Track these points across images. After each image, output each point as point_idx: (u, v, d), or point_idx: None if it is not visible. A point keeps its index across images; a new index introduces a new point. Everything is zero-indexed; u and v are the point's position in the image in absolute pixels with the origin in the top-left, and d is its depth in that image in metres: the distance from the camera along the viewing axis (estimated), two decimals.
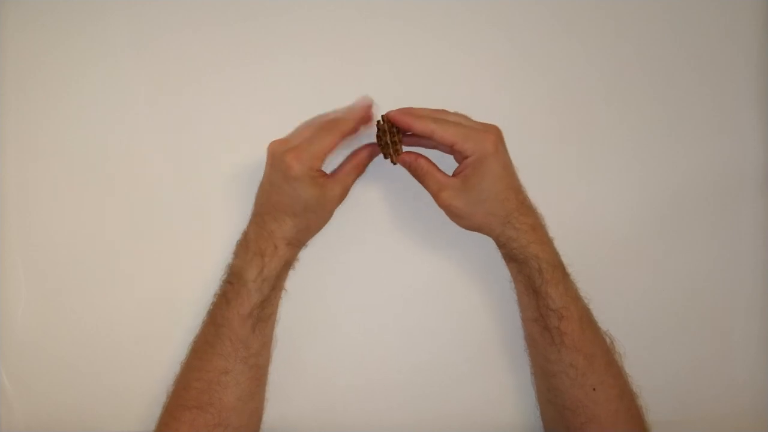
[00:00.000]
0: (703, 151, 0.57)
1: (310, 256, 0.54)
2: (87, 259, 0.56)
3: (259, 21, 0.56)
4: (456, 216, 0.50)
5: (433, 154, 0.51)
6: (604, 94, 0.57)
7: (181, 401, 0.48)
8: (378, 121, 0.50)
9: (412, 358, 0.56)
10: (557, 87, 0.57)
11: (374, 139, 0.51)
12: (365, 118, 0.50)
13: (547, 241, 0.49)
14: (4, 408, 0.56)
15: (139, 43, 0.56)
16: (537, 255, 0.48)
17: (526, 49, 0.57)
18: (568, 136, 0.57)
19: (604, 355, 0.48)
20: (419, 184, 0.51)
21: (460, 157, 0.49)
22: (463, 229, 0.51)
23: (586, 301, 0.50)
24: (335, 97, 0.54)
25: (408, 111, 0.49)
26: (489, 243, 0.51)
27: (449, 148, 0.49)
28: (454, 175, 0.50)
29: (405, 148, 0.51)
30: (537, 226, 0.49)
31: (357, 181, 0.52)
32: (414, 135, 0.50)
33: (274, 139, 0.49)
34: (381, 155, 0.51)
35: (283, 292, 0.52)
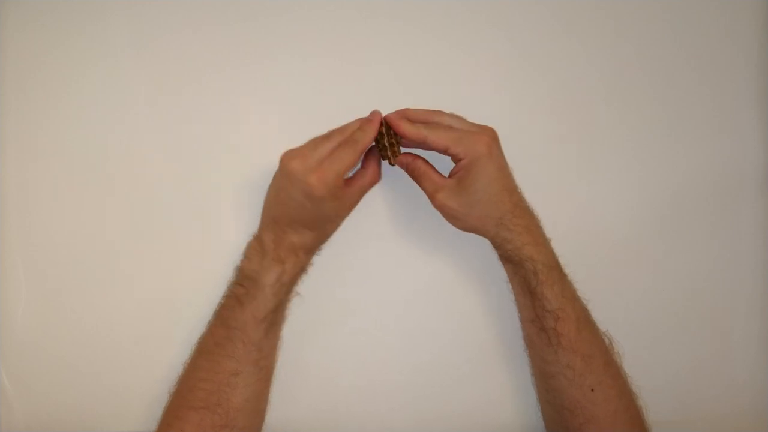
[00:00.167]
0: (703, 151, 0.57)
1: (316, 256, 0.54)
2: (87, 259, 0.56)
3: (259, 21, 0.56)
4: (451, 217, 0.50)
5: (432, 155, 0.51)
6: (604, 94, 0.57)
7: (187, 402, 0.47)
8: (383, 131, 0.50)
9: (413, 359, 0.56)
10: (557, 87, 0.57)
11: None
12: (375, 130, 0.49)
13: (542, 243, 0.49)
14: (4, 408, 0.55)
15: (139, 43, 0.56)
16: (532, 257, 0.48)
17: (526, 49, 0.57)
18: (568, 136, 0.57)
19: (601, 355, 0.48)
20: (419, 186, 0.51)
21: (454, 159, 0.49)
22: (461, 231, 0.51)
23: (584, 301, 0.49)
24: (335, 97, 0.54)
25: (403, 114, 0.49)
26: (488, 244, 0.51)
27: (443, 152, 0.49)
28: (449, 176, 0.50)
29: (403, 150, 0.51)
30: (532, 228, 0.49)
31: None
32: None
33: (287, 151, 0.47)
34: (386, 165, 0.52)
35: (294, 296, 0.52)
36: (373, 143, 0.50)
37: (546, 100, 0.57)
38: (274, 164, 0.47)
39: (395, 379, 0.56)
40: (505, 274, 0.51)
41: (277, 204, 0.49)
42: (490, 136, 0.48)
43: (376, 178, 0.51)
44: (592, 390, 0.47)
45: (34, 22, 0.56)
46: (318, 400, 0.56)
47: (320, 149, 0.46)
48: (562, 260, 0.50)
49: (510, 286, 0.52)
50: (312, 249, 0.50)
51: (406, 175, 0.52)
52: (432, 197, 0.50)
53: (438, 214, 0.50)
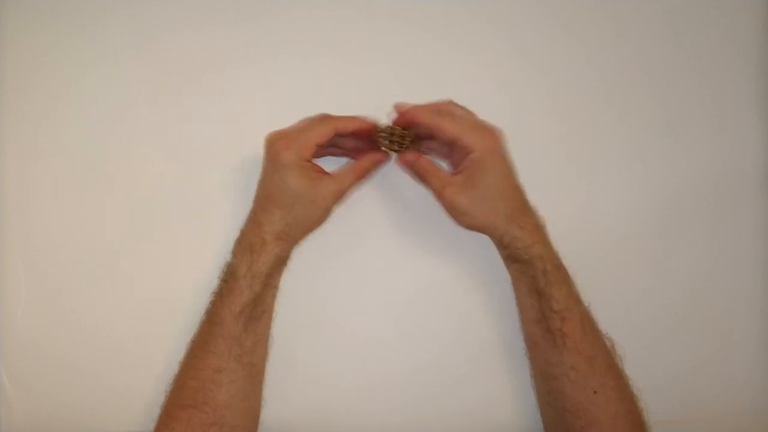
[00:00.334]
0: (703, 151, 0.57)
1: (311, 256, 0.54)
2: (87, 259, 0.56)
3: (259, 21, 0.56)
4: (460, 213, 0.49)
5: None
6: (604, 94, 0.57)
7: (177, 400, 0.48)
8: (384, 126, 0.50)
9: (413, 359, 0.56)
10: (557, 87, 0.57)
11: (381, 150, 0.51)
12: (364, 126, 0.50)
13: (549, 242, 0.49)
14: (4, 408, 0.55)
15: (139, 43, 0.56)
16: (542, 255, 0.48)
17: (526, 49, 0.57)
18: (568, 136, 0.57)
19: (605, 357, 0.48)
20: (420, 186, 0.51)
21: (461, 154, 0.48)
22: (464, 230, 0.50)
23: (586, 303, 0.49)
24: (335, 97, 0.54)
25: (414, 108, 0.49)
26: (489, 244, 0.51)
27: (450, 145, 0.49)
28: (456, 172, 0.49)
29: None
30: (539, 226, 0.49)
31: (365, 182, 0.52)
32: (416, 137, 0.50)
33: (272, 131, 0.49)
34: (386, 165, 0.52)
35: (278, 291, 0.52)
36: (381, 139, 0.50)
37: (546, 100, 0.57)
38: None
39: (395, 379, 0.56)
40: (506, 275, 0.51)
41: (257, 187, 0.50)
42: (499, 132, 0.48)
43: (360, 172, 0.50)
44: (595, 392, 0.46)
45: (34, 22, 0.56)
46: (317, 400, 0.56)
47: (298, 124, 0.48)
48: (565, 263, 0.50)
49: (513, 287, 0.51)
50: (281, 234, 0.48)
51: (406, 175, 0.52)
52: (440, 194, 0.49)
53: (438, 213, 0.50)
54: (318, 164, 0.50)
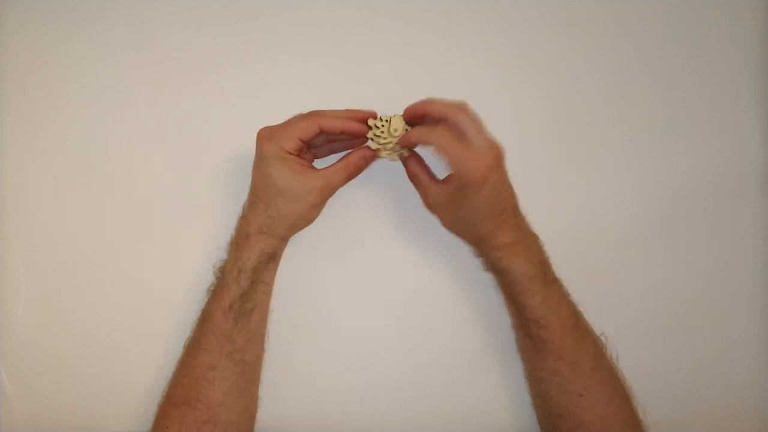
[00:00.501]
0: (703, 151, 0.57)
1: (309, 256, 0.54)
2: (87, 259, 0.56)
3: (259, 21, 0.56)
4: (439, 220, 0.50)
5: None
6: (604, 94, 0.57)
7: (171, 399, 0.48)
8: (377, 119, 0.50)
9: (410, 360, 0.56)
10: (557, 87, 0.57)
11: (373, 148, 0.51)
12: (354, 128, 0.49)
13: (524, 255, 0.48)
14: (4, 408, 0.56)
15: (139, 43, 0.56)
16: (509, 268, 0.47)
17: (526, 49, 0.57)
18: (568, 136, 0.57)
19: (589, 361, 0.48)
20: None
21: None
22: None
23: (574, 306, 0.49)
24: (335, 97, 0.54)
25: (423, 108, 0.48)
26: None
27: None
28: (444, 180, 0.49)
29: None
30: (518, 243, 0.48)
31: (359, 182, 0.51)
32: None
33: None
34: (376, 162, 0.52)
35: (270, 288, 0.51)
36: (372, 140, 0.50)
37: (546, 100, 0.57)
38: None
39: (393, 380, 0.56)
40: None
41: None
42: (495, 157, 0.45)
43: (349, 169, 0.50)
44: (581, 395, 0.46)
45: (34, 22, 0.56)
46: (315, 400, 0.56)
47: (287, 119, 0.49)
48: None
49: None
50: (263, 228, 0.48)
51: (406, 175, 0.52)
52: (424, 200, 0.50)
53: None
54: (311, 163, 0.50)
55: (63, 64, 0.56)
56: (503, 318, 0.54)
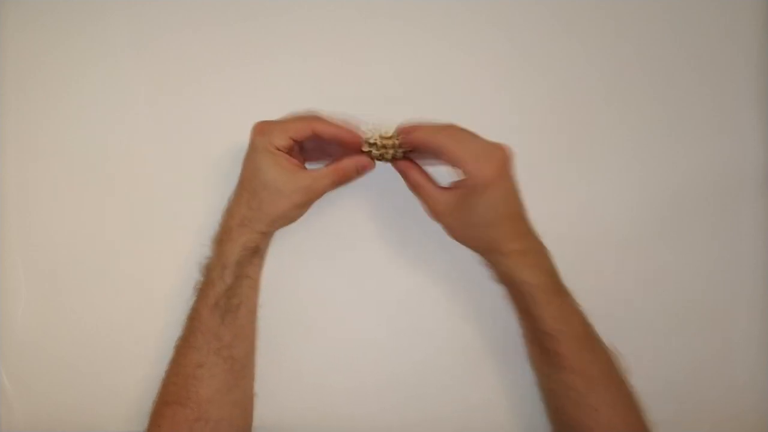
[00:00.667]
0: (703, 151, 0.57)
1: (303, 256, 0.54)
2: (87, 259, 0.56)
3: (259, 21, 0.56)
4: (445, 229, 0.49)
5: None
6: (604, 94, 0.57)
7: (163, 398, 0.48)
8: (370, 136, 0.49)
9: (405, 360, 0.56)
10: (557, 87, 0.57)
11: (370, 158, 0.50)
12: (347, 137, 0.48)
13: (535, 264, 0.47)
14: (4, 408, 0.56)
15: (139, 43, 0.56)
16: (521, 278, 0.47)
17: (526, 49, 0.57)
18: (567, 136, 0.57)
19: (604, 375, 0.47)
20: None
21: (462, 173, 0.46)
22: None
23: (585, 317, 0.48)
24: (335, 97, 0.54)
25: (414, 126, 0.47)
26: None
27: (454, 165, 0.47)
28: (451, 187, 0.48)
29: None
30: (528, 252, 0.47)
31: (356, 183, 0.51)
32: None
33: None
34: (369, 172, 0.51)
35: (257, 283, 0.51)
36: (367, 150, 0.49)
37: (546, 100, 0.57)
38: None
39: (388, 380, 0.56)
40: None
41: None
42: (504, 158, 0.45)
43: (339, 173, 0.49)
44: (596, 410, 0.46)
45: (34, 22, 0.56)
46: (311, 400, 0.56)
47: (286, 116, 0.49)
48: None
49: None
50: (244, 220, 0.47)
51: (399, 175, 0.52)
52: (429, 209, 0.49)
53: None
54: (302, 165, 0.50)
55: (63, 64, 0.56)
56: (498, 319, 0.54)
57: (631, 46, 0.57)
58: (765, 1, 0.57)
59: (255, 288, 0.51)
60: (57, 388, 0.56)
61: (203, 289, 0.48)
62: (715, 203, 0.57)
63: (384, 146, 0.49)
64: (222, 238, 0.48)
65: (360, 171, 0.50)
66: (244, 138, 0.55)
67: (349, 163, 0.49)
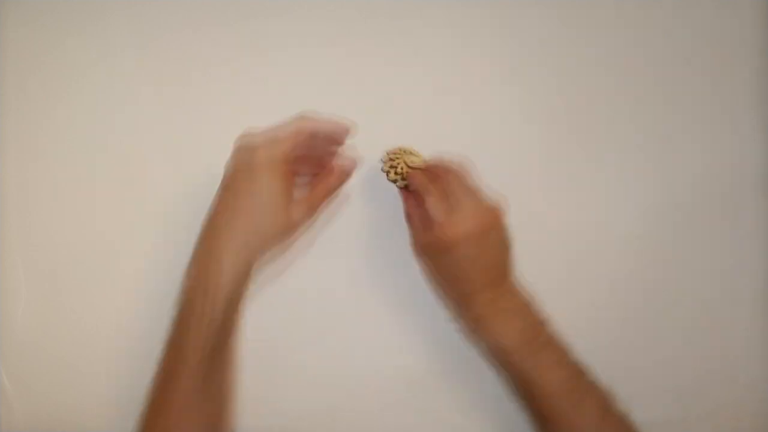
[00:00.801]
0: (703, 151, 0.57)
1: (307, 257, 0.54)
2: (87, 259, 0.56)
3: (259, 21, 0.56)
4: (421, 267, 0.51)
5: None
6: (606, 94, 0.57)
7: None
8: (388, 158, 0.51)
9: (401, 361, 0.56)
10: (558, 87, 0.57)
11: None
12: (339, 130, 0.47)
13: (502, 323, 0.46)
14: (4, 408, 0.56)
15: (139, 43, 0.56)
16: (485, 339, 0.47)
17: (527, 49, 0.57)
18: (568, 137, 0.57)
19: (592, 424, 0.45)
20: None
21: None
22: None
23: (570, 367, 0.46)
24: (335, 97, 0.54)
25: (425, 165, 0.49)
26: None
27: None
28: (434, 227, 0.47)
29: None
30: (494, 312, 0.46)
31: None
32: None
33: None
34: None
35: (237, 323, 0.47)
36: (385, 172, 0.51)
37: (547, 101, 0.57)
38: None
39: (385, 381, 0.56)
40: None
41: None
42: (473, 226, 0.45)
43: (330, 184, 0.48)
44: None
45: (34, 22, 0.56)
46: (309, 401, 0.56)
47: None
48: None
49: None
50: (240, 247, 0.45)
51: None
52: (411, 241, 0.51)
53: None
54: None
55: (63, 64, 0.56)
56: None
57: (631, 46, 0.57)
58: (765, 1, 0.57)
59: (238, 325, 0.47)
60: (57, 388, 0.56)
61: (180, 348, 0.44)
62: (716, 204, 0.57)
63: (389, 169, 0.51)
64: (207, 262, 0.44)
65: (341, 181, 0.49)
66: None
67: (334, 173, 0.48)
